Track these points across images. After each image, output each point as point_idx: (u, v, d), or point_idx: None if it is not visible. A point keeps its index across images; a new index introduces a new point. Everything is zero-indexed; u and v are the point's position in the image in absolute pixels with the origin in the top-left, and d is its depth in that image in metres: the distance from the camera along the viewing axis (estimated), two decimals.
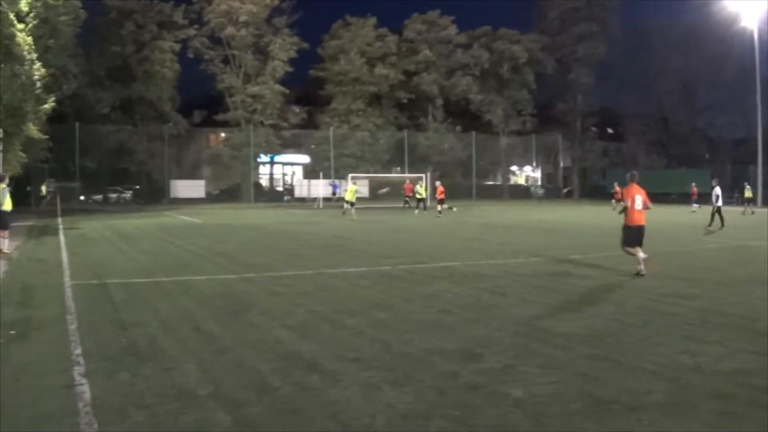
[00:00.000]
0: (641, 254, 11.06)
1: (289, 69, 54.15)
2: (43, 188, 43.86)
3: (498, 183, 67.14)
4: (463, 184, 61.73)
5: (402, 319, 7.65)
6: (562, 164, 68.11)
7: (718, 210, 22.72)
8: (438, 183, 34.75)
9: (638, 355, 6.03)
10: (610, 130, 71.47)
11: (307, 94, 61.36)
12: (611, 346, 6.33)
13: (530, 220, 27.58)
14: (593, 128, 67.38)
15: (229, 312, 8.04)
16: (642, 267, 10.95)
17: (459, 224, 25.70)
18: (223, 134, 57.87)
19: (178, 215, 33.78)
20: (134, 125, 51.00)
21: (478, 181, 61.65)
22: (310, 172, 59.19)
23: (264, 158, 58.15)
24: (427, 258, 13.84)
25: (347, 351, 6.19)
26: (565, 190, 66.85)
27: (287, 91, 54.92)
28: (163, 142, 51.99)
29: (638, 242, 11.21)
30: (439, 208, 32.30)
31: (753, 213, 33.35)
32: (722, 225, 22.18)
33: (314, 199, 49.35)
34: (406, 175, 52.55)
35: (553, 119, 65.84)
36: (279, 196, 57.14)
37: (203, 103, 63.09)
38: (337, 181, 48.25)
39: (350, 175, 47.06)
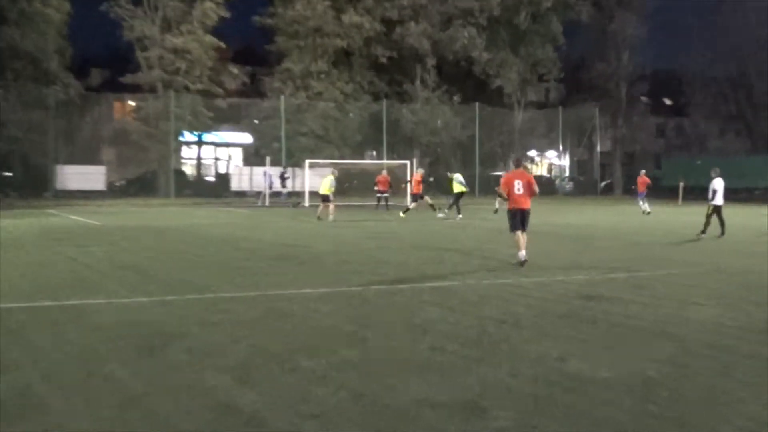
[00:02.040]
0: (522, 246, 15.18)
1: (226, 14, 53.96)
2: None
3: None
4: (463, 174, 61.89)
5: (379, 359, 7.62)
6: (599, 148, 68.58)
7: (714, 211, 22.77)
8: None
9: (711, 414, 6.01)
10: (667, 101, 71.94)
11: (251, 50, 61.27)
12: (671, 401, 6.31)
13: (555, 225, 27.65)
14: (644, 98, 67.75)
15: (140, 348, 7.96)
16: (523, 253, 15.12)
17: (458, 230, 25.74)
18: (132, 103, 57.50)
19: (68, 214, 33.46)
20: (5, 88, 50.34)
21: (482, 170, 61.89)
22: (252, 157, 59.00)
23: (189, 137, 57.85)
24: (413, 274, 13.85)
25: (303, 403, 6.15)
26: (602, 184, 67.39)
27: (223, 45, 54.70)
28: (47, 111, 51.51)
29: (522, 226, 15.36)
30: (411, 205, 33.98)
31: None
32: (722, 232, 22.50)
33: (258, 194, 49.20)
34: (384, 161, 52.59)
35: (588, 86, 66.21)
36: (209, 190, 56.80)
37: (104, 58, 62.66)
38: (273, 171, 48.09)
39: (307, 161, 46.97)
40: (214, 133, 59.30)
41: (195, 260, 16.21)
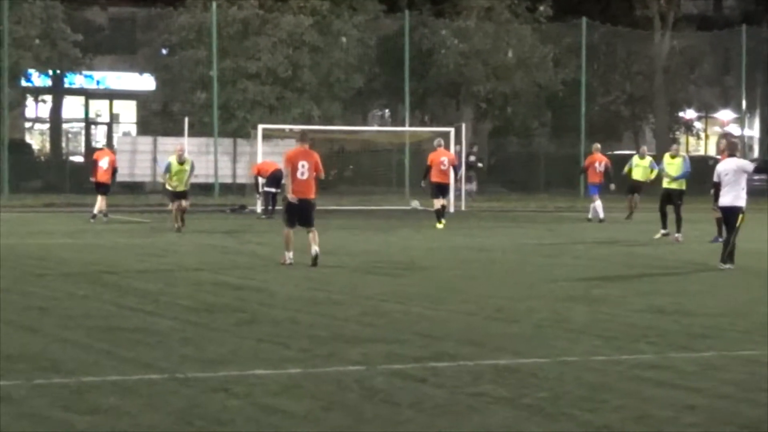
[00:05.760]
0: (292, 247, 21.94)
1: None
2: None
3: (649, 154, 67.33)
4: (552, 154, 61.89)
5: None
6: None
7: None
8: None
9: None
10: None
11: None
12: None
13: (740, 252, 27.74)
14: None
15: None
16: (291, 255, 22.06)
17: (541, 258, 25.76)
18: None
19: None
20: None
21: (591, 143, 61.73)
22: (155, 118, 59.15)
23: (38, 80, 58.10)
24: (455, 339, 13.90)
25: None
26: None
27: None
28: None
29: (303, 221, 21.52)
30: None
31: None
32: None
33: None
34: (407, 128, 52.74)
35: None
36: (77, 181, 56.88)
37: None
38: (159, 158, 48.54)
39: (260, 128, 47.03)
40: (84, 73, 59.49)
41: (50, 315, 16.20)
